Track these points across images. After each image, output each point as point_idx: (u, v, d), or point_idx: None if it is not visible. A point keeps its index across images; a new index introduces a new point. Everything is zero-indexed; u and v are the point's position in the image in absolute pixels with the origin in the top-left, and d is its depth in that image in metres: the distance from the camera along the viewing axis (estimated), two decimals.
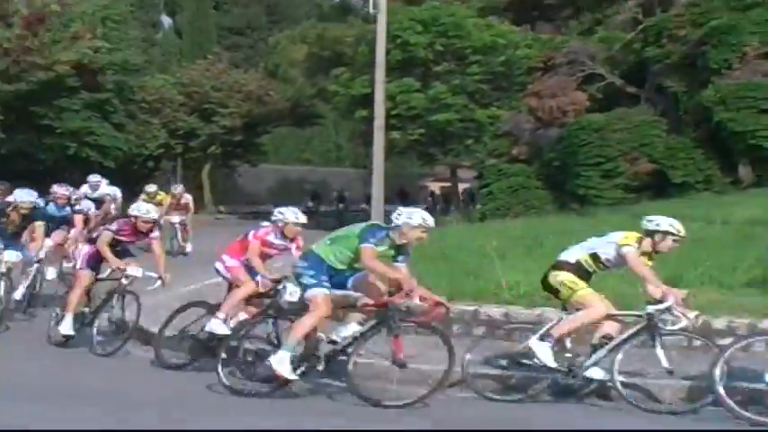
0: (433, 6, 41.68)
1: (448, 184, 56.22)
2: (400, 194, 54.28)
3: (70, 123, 40.70)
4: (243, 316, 12.36)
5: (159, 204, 23.47)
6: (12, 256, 14.87)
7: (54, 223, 16.81)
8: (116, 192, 24.98)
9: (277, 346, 10.92)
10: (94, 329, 13.31)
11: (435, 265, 15.91)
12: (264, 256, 12.57)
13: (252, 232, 12.72)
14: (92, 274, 13.75)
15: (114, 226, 13.69)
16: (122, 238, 13.58)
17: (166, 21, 78.49)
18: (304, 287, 10.50)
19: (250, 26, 77.11)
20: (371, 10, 36.42)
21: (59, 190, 18.31)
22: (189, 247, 27.05)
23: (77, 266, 13.93)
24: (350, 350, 10.50)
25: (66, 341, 13.47)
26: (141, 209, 13.68)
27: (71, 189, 19.06)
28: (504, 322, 12.67)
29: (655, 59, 33.65)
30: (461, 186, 53.74)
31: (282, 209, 13.03)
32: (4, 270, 14.69)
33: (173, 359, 12.39)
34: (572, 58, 35.19)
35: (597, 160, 31.50)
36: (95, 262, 13.74)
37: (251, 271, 12.45)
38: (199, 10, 68.58)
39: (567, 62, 35.16)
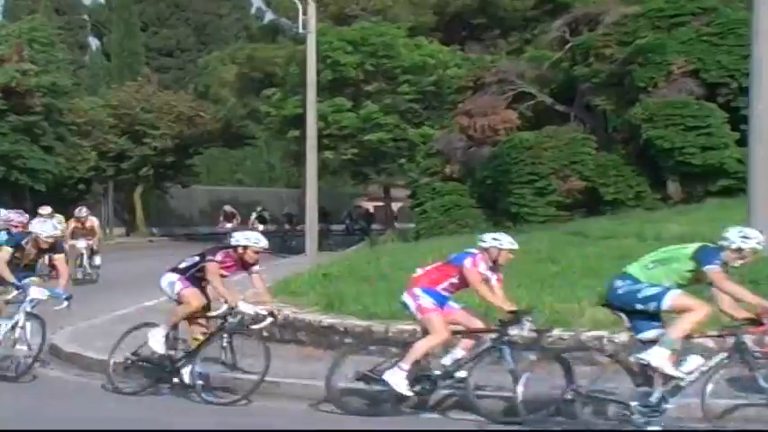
0: (362, 27, 41.88)
1: (381, 204, 56.42)
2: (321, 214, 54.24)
3: None
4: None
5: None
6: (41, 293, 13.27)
7: None
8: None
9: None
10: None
11: (373, 285, 15.97)
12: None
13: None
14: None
15: (219, 257, 12.43)
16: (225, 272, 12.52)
17: (94, 42, 78.05)
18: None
19: (179, 47, 76.78)
20: (301, 30, 36.44)
21: (17, 217, 17.67)
22: (95, 275, 26.06)
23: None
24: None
25: None
26: (251, 238, 12.56)
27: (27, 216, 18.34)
28: None
29: (583, 78, 33.98)
30: (395, 205, 53.96)
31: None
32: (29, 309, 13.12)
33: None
34: (502, 77, 35.42)
35: (530, 178, 31.68)
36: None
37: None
38: (127, 31, 68.16)
39: (497, 81, 35.38)
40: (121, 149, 52.45)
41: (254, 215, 41.93)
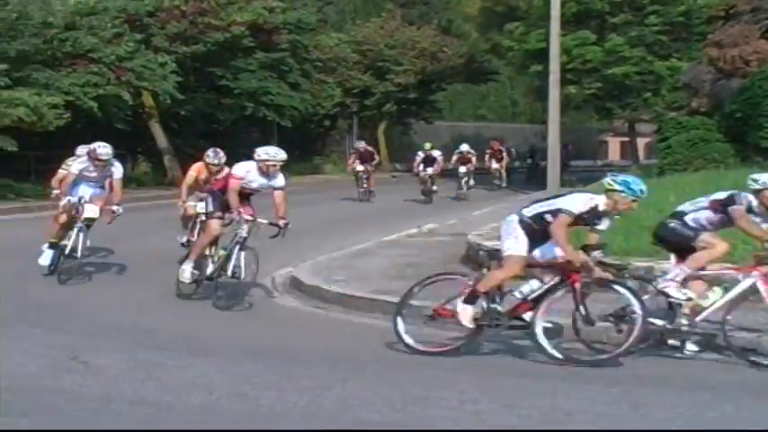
0: None
1: (626, 139, 55.36)
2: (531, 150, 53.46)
3: (246, 84, 41.50)
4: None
5: None
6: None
7: None
8: None
9: None
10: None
11: None
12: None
13: None
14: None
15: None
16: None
17: None
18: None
19: None
20: None
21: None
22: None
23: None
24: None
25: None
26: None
27: None
28: None
29: None
30: (640, 141, 52.80)
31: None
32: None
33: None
34: (756, 4, 33.90)
35: None
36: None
37: None
38: None
39: (751, 9, 33.91)
40: (365, 86, 53.18)
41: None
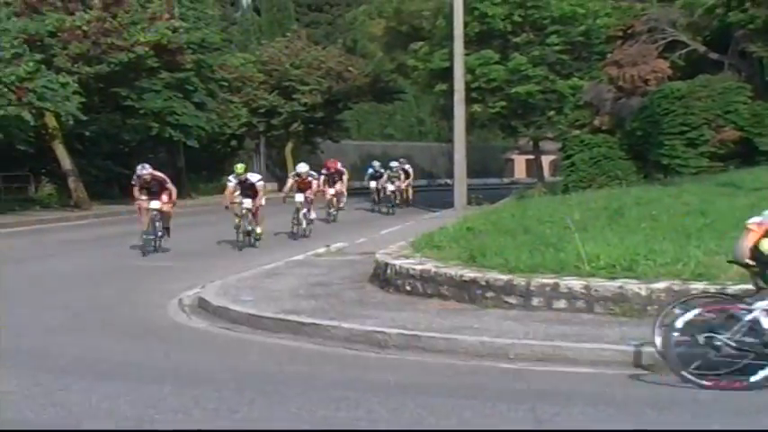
0: None
1: (531, 157, 55.99)
2: None
3: (151, 104, 41.28)
4: None
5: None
6: None
7: None
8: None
9: None
10: None
11: (516, 238, 15.84)
12: None
13: None
14: None
15: None
16: None
17: None
18: None
19: (328, 2, 77.23)
20: None
21: None
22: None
23: None
24: None
25: None
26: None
27: None
28: (585, 295, 12.56)
29: (738, 24, 32.95)
30: (545, 159, 53.44)
31: None
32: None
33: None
34: (653, 25, 34.58)
35: (681, 129, 30.96)
36: None
37: None
38: None
39: (648, 29, 34.56)
40: (272, 105, 53.21)
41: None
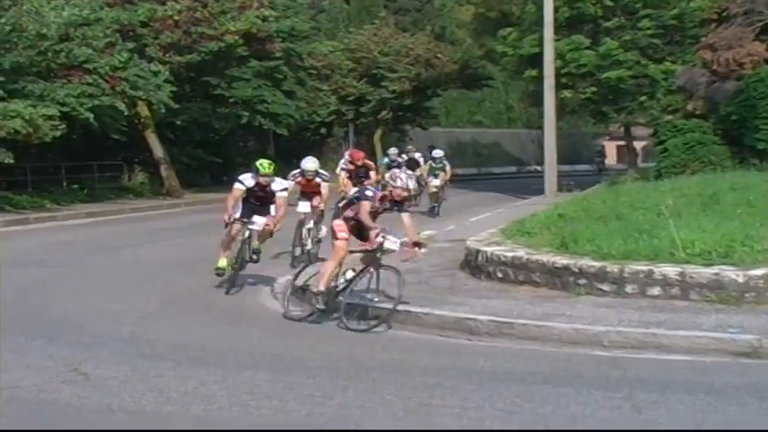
0: None
1: (623, 143, 55.44)
2: None
3: (241, 92, 41.60)
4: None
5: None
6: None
7: None
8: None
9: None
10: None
11: (608, 225, 15.66)
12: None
13: None
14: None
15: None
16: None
17: None
18: None
19: None
20: None
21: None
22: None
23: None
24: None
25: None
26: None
27: None
28: (680, 282, 12.38)
29: None
30: (638, 144, 52.85)
31: None
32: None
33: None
34: (749, 7, 33.94)
35: None
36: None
37: None
38: None
39: (744, 12, 33.94)
40: (360, 93, 53.29)
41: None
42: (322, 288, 12.79)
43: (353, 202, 13.05)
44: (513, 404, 8.37)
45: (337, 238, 12.84)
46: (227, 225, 15.29)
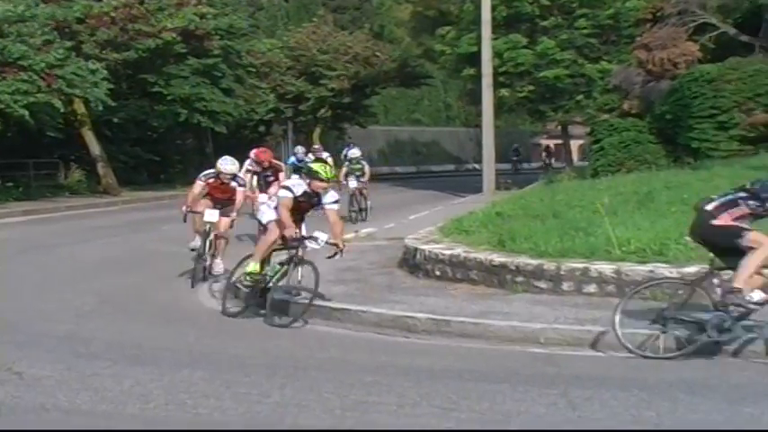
0: None
1: (560, 141, 55.86)
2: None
3: (179, 90, 41.38)
4: None
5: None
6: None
7: None
8: None
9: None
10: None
11: (545, 223, 15.78)
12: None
13: None
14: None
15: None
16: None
17: None
18: None
19: None
20: None
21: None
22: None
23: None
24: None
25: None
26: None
27: None
28: (616, 279, 12.51)
29: None
30: (574, 143, 53.27)
31: None
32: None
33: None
34: (682, 7, 34.30)
35: (711, 112, 30.69)
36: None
37: None
38: None
39: (677, 12, 34.29)
40: (299, 91, 53.21)
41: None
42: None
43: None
44: (449, 401, 8.40)
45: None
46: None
